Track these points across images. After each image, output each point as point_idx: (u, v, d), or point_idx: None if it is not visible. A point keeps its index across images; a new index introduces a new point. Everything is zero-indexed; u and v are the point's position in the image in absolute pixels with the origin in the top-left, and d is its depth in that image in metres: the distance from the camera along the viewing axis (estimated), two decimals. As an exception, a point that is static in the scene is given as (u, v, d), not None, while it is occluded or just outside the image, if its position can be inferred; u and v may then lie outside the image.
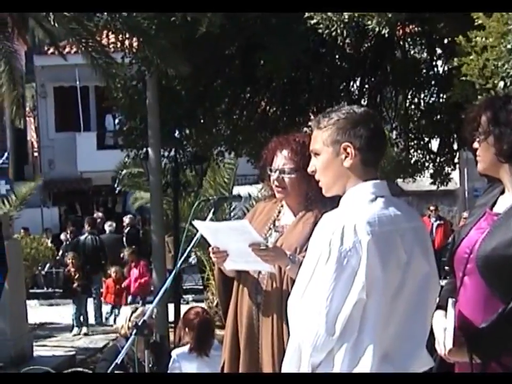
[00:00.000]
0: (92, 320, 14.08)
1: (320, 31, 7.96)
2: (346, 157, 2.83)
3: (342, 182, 2.87)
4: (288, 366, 2.74)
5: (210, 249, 3.79)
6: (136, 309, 6.45)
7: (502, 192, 3.06)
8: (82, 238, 15.66)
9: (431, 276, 2.85)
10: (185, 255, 3.80)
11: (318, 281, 2.68)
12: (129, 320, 6.19)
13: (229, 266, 3.83)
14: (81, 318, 13.70)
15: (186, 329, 5.99)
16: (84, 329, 13.53)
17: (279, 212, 3.93)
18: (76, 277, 13.70)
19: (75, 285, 13.67)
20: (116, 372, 3.41)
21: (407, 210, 2.88)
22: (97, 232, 16.54)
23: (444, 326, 2.94)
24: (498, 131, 2.93)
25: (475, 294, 2.96)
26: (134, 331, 3.47)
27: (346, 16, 7.57)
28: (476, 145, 3.02)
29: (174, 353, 5.93)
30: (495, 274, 2.89)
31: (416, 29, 10.70)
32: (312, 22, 7.91)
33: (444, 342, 2.92)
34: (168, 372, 5.71)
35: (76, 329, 13.54)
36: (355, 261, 2.65)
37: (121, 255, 17.88)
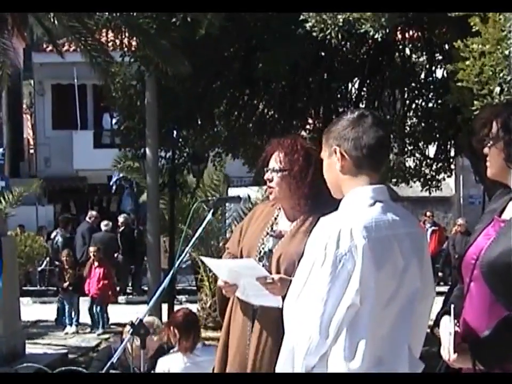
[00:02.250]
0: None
1: (314, 34, 7.97)
2: (338, 160, 2.84)
3: (339, 186, 2.88)
4: (282, 369, 2.75)
5: (219, 283, 3.87)
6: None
7: (511, 198, 3.07)
8: (57, 237, 15.73)
9: (423, 288, 2.83)
10: (182, 257, 3.79)
11: (313, 284, 2.69)
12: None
13: (242, 298, 3.86)
14: (72, 316, 13.69)
15: (172, 328, 5.95)
16: (74, 328, 13.49)
17: (277, 216, 3.94)
18: (68, 275, 13.63)
19: (66, 284, 13.60)
20: (110, 371, 3.40)
21: (405, 216, 2.87)
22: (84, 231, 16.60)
23: (449, 331, 2.95)
24: (508, 137, 2.95)
25: (480, 301, 2.97)
26: (130, 330, 3.46)
27: (341, 20, 7.57)
28: (486, 150, 3.04)
29: (160, 361, 5.88)
30: (500, 280, 2.89)
31: (415, 33, 10.72)
32: (307, 25, 7.92)
33: (449, 348, 2.94)
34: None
35: (68, 328, 13.52)
36: (350, 265, 2.65)
37: (115, 254, 17.87)
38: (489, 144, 3.02)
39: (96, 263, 13.89)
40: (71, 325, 13.57)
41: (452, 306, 2.98)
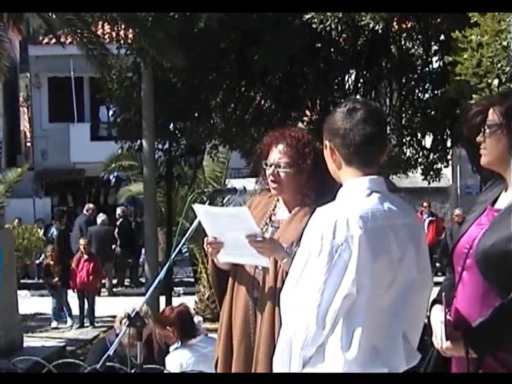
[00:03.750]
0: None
1: (314, 26, 7.97)
2: (329, 154, 2.85)
3: (337, 176, 2.89)
4: (279, 360, 2.75)
5: (205, 239, 3.73)
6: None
7: (505, 189, 3.07)
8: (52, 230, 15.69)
9: (420, 278, 2.83)
10: (179, 248, 3.77)
11: (309, 274, 2.69)
12: (120, 321, 6.11)
13: (223, 259, 3.78)
14: (65, 311, 13.65)
15: (168, 328, 5.93)
16: (69, 321, 13.46)
17: (275, 207, 3.89)
18: (56, 270, 13.56)
19: (55, 279, 13.52)
20: (107, 363, 3.40)
21: (402, 206, 2.86)
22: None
23: (440, 319, 2.96)
24: None
25: (473, 289, 2.98)
26: (127, 322, 3.46)
27: (340, 12, 7.59)
28: (480, 138, 3.02)
29: (169, 359, 5.89)
30: (494, 269, 2.91)
31: (412, 24, 10.70)
32: (307, 17, 7.93)
33: (441, 336, 2.95)
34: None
35: (55, 323, 13.47)
36: (347, 255, 2.66)
37: (113, 246, 17.88)
38: (487, 132, 3.01)
39: (85, 256, 13.82)
40: (57, 320, 13.51)
41: (443, 294, 2.99)
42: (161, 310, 11.03)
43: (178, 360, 5.79)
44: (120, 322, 6.09)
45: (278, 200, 3.89)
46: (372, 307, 2.69)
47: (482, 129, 3.01)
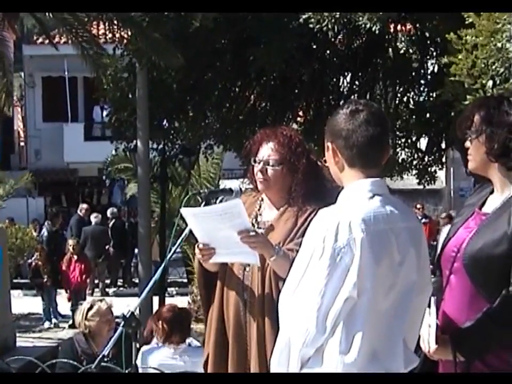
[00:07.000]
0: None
1: (311, 26, 7.98)
2: (331, 156, 2.85)
3: (339, 178, 2.88)
4: (277, 361, 2.74)
5: (196, 245, 3.72)
6: (92, 306, 6.26)
7: (491, 192, 3.08)
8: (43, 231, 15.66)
9: (419, 282, 2.83)
10: (174, 249, 3.76)
11: (310, 277, 2.68)
12: (86, 316, 6.10)
13: (213, 259, 3.76)
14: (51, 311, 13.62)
15: (159, 322, 5.91)
16: (54, 321, 13.41)
17: (260, 207, 3.86)
18: (45, 270, 13.51)
19: (45, 279, 13.46)
20: (102, 364, 3.39)
21: (404, 209, 2.86)
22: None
23: (428, 323, 2.96)
24: (490, 130, 2.96)
25: (460, 293, 2.99)
26: (122, 323, 3.45)
27: (338, 12, 7.60)
28: (467, 144, 3.04)
29: (142, 350, 5.87)
30: (481, 273, 2.92)
31: (408, 26, 10.72)
32: (304, 17, 7.94)
33: (429, 340, 2.94)
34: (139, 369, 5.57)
35: (47, 323, 13.44)
36: (348, 258, 2.65)
37: (107, 247, 17.83)
38: (470, 138, 3.02)
39: (75, 257, 13.78)
40: (50, 320, 13.48)
41: (433, 298, 2.99)
42: (154, 310, 11.08)
43: (156, 359, 5.74)
44: (86, 318, 6.07)
45: (262, 200, 3.87)
46: (372, 310, 2.68)
47: (467, 135, 3.03)
